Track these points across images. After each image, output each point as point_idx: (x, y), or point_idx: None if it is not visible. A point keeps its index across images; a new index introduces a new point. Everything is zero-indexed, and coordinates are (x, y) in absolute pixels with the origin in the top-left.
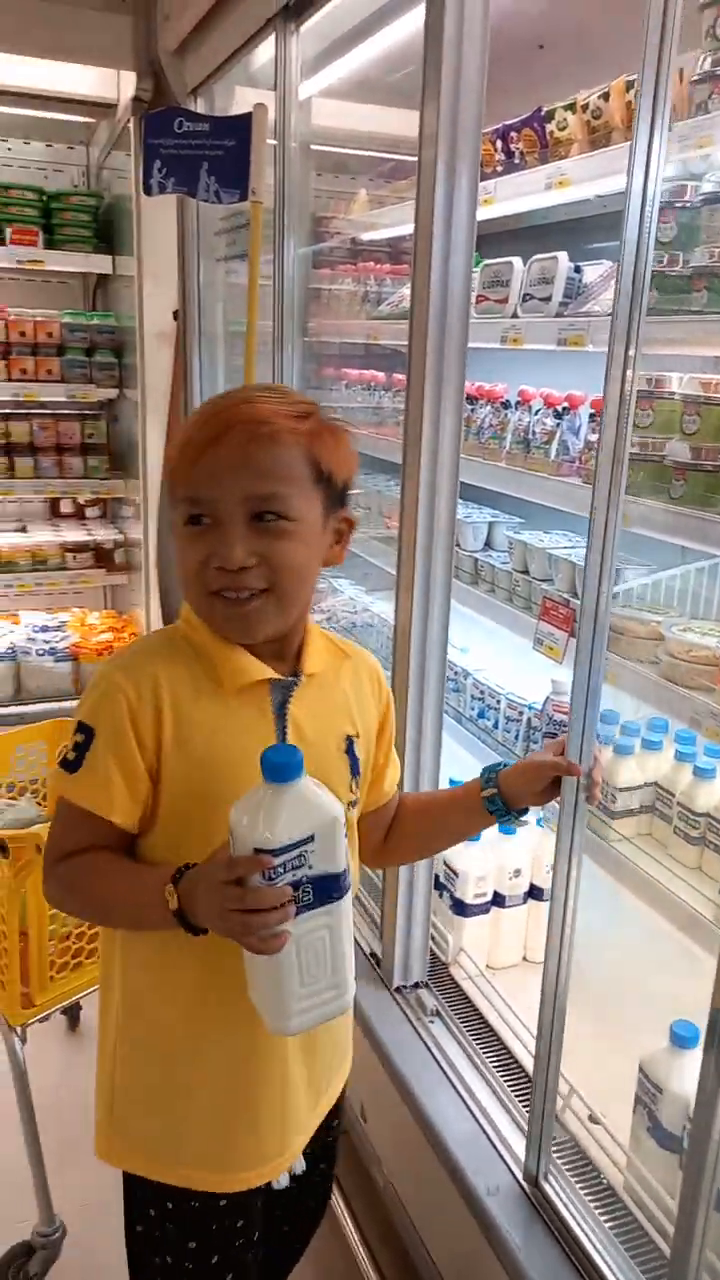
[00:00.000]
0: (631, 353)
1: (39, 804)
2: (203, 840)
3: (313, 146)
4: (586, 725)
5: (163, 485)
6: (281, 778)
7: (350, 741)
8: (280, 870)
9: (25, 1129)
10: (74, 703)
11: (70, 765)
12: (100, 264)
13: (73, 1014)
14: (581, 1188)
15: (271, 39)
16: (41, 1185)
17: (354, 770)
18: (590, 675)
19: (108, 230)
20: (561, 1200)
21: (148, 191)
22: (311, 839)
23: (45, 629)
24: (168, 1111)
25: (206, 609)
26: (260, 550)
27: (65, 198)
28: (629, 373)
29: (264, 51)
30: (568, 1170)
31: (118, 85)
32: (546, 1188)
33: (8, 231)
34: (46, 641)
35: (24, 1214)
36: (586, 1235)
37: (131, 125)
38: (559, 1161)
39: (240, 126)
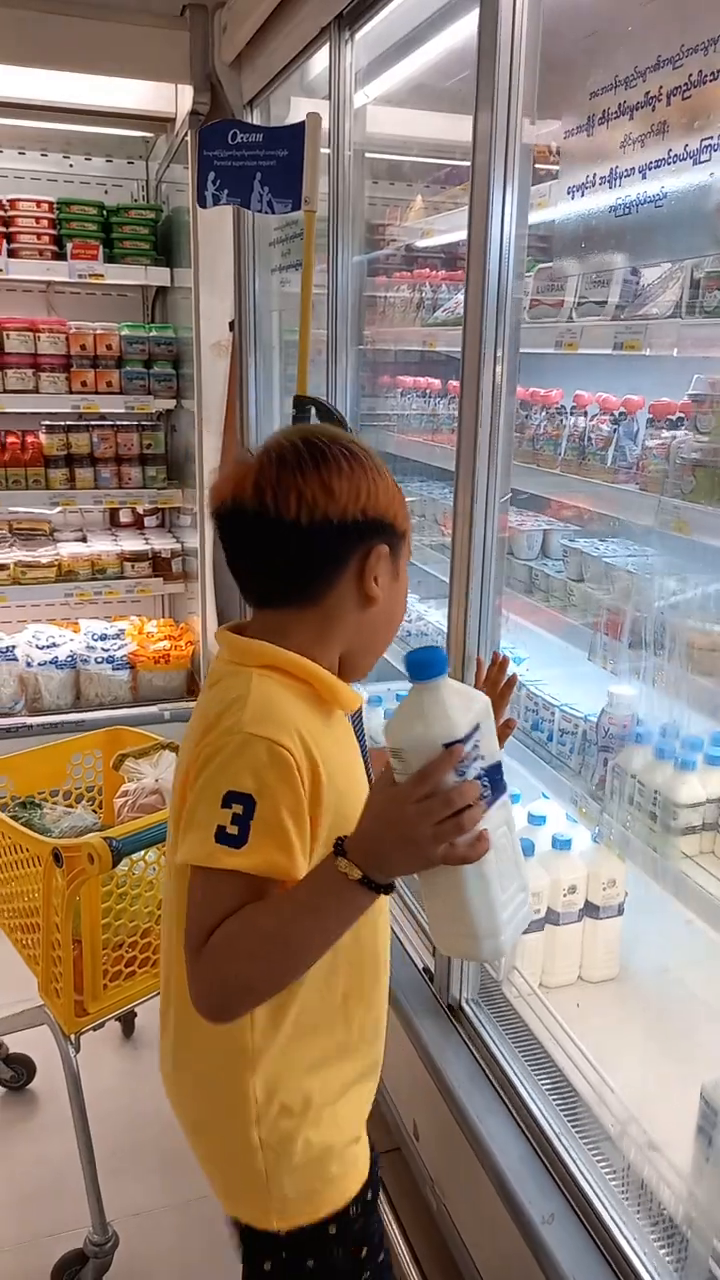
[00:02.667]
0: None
1: (95, 810)
2: None
3: (367, 154)
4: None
5: None
6: (434, 673)
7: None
8: (466, 762)
9: (79, 1137)
10: (131, 710)
11: (236, 840)
12: (159, 276)
13: (128, 1022)
14: (639, 1217)
15: (326, 48)
16: (95, 1193)
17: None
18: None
19: (166, 243)
20: (620, 1230)
21: (202, 204)
22: (478, 727)
23: (104, 637)
24: (327, 1155)
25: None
26: None
27: (125, 211)
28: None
29: (319, 61)
30: (626, 1200)
31: (175, 99)
32: (604, 1216)
33: (69, 246)
34: (105, 650)
35: (77, 1221)
36: (645, 1267)
37: (189, 138)
38: (615, 1189)
39: (293, 136)
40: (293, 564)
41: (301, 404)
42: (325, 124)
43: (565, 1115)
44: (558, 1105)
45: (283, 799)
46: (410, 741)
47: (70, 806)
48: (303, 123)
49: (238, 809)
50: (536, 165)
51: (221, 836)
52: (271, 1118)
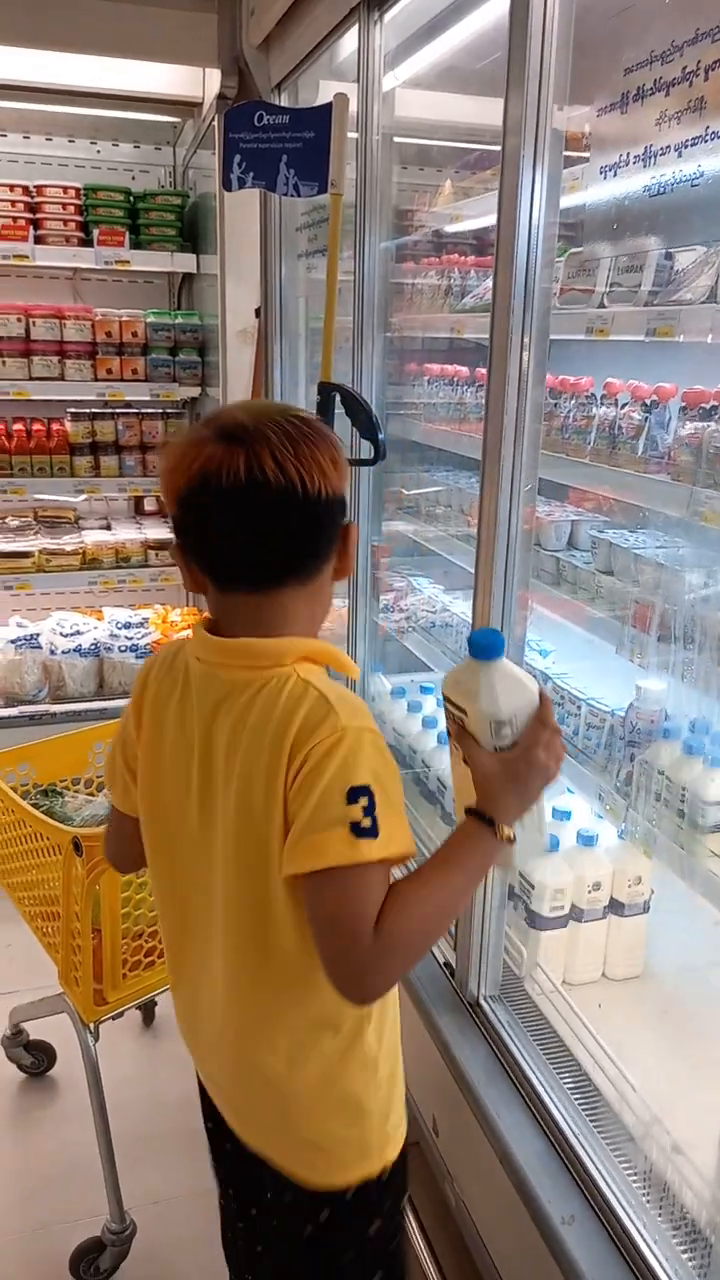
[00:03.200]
0: None
1: None
2: None
3: (396, 139)
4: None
5: None
6: (500, 652)
7: None
8: None
9: (98, 1125)
10: None
11: (371, 831)
12: (185, 263)
13: (148, 1010)
14: (661, 1220)
15: (355, 30)
16: (113, 1182)
17: None
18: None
19: (193, 229)
20: (640, 1234)
21: (227, 187)
22: None
23: (128, 625)
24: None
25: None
26: None
27: (151, 198)
28: None
29: (348, 43)
30: (647, 1202)
31: (203, 83)
32: (625, 1218)
33: (96, 233)
34: (129, 638)
35: (95, 1209)
36: (666, 1271)
37: (216, 123)
38: (637, 1191)
39: (320, 117)
40: (307, 539)
41: (326, 390)
42: (353, 107)
43: (587, 1114)
44: (579, 1104)
45: (390, 781)
46: (520, 706)
47: (91, 795)
48: (330, 104)
49: (364, 802)
50: (567, 152)
51: (359, 831)
52: (379, 1079)
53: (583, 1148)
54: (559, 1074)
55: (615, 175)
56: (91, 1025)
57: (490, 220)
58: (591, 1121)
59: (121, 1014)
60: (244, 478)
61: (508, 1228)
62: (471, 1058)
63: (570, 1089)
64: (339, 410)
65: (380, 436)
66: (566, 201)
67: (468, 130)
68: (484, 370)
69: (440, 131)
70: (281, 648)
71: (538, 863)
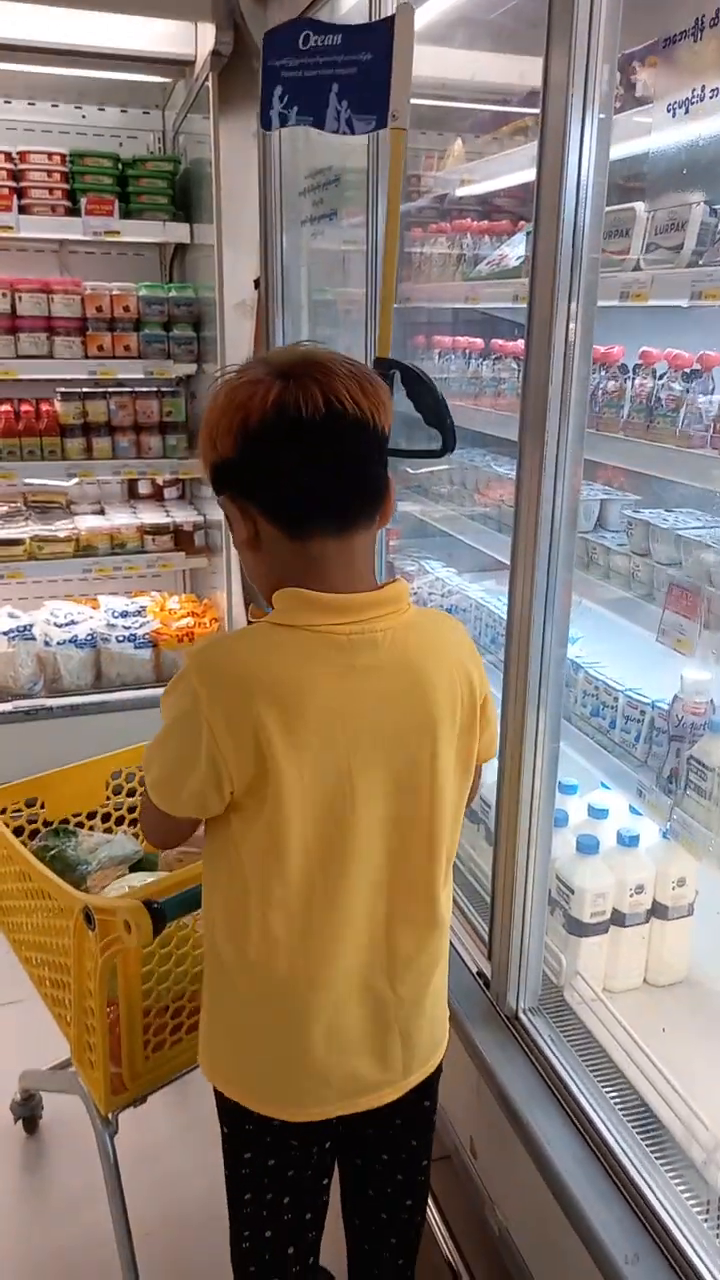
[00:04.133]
0: None
1: (137, 834)
2: None
3: (410, 100)
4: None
5: None
6: None
7: None
8: None
9: (118, 1231)
10: (154, 690)
11: None
12: (178, 233)
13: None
14: None
15: None
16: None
17: None
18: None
19: (185, 197)
20: (712, 1275)
21: (266, 125)
22: None
23: (125, 614)
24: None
25: None
26: None
27: (141, 164)
28: None
29: None
30: (717, 1236)
31: (195, 40)
32: (692, 1257)
33: (83, 201)
34: (126, 627)
35: None
36: None
37: (210, 83)
38: (704, 1225)
39: (379, 35)
40: (380, 471)
41: (384, 368)
42: None
43: (639, 1134)
44: (630, 1123)
45: None
46: None
47: (110, 831)
48: (391, 17)
49: None
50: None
51: None
52: None
53: (639, 1174)
54: (605, 1088)
55: (681, 113)
56: (109, 1116)
57: (507, 181)
58: (646, 1143)
59: (143, 1100)
60: (324, 407)
61: (563, 1264)
62: (512, 1075)
63: (619, 1106)
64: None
65: (450, 422)
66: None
67: (481, 88)
68: (500, 341)
69: (451, 90)
70: (401, 590)
71: (577, 867)
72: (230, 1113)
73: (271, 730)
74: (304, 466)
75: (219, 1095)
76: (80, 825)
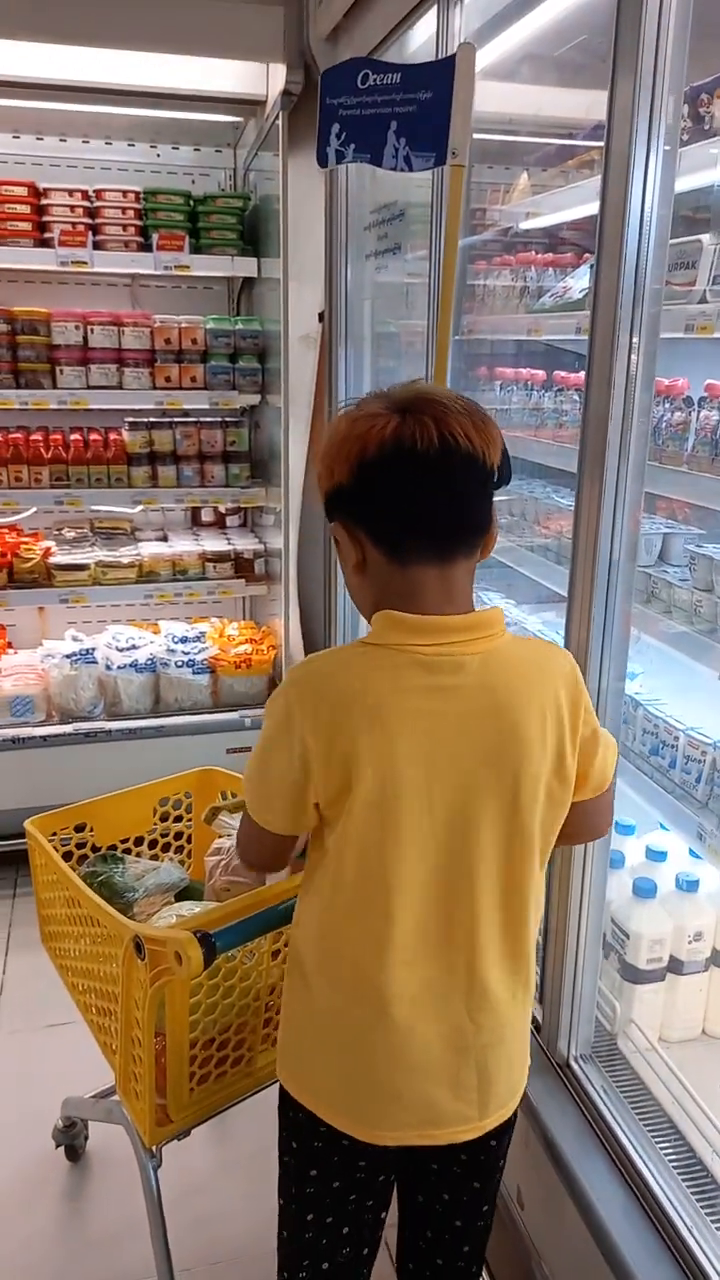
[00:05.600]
0: None
1: (183, 862)
2: None
3: (477, 135)
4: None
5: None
6: None
7: None
8: None
9: (160, 1267)
10: (211, 716)
11: None
12: (245, 267)
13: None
14: None
15: (430, 15)
16: None
17: None
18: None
19: (254, 233)
20: None
21: (323, 162)
22: None
23: (185, 640)
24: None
25: None
26: None
27: (212, 200)
28: None
29: (419, 33)
30: None
31: (266, 80)
32: None
33: (155, 237)
34: (186, 653)
35: None
36: None
37: (280, 121)
38: None
39: (439, 74)
40: (486, 507)
41: None
42: None
43: (693, 1191)
44: (682, 1179)
45: None
46: None
47: (156, 858)
48: (452, 56)
49: None
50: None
51: None
52: None
53: (691, 1233)
54: (658, 1141)
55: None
56: (154, 1149)
57: (571, 215)
58: (699, 1201)
59: (187, 1134)
60: (437, 442)
61: None
62: (562, 1126)
63: (672, 1161)
64: None
65: (506, 454)
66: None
67: (547, 122)
68: (562, 373)
69: (517, 124)
70: (494, 616)
71: (633, 911)
72: (299, 1127)
73: (358, 743)
74: (414, 498)
75: (288, 1108)
76: (127, 851)
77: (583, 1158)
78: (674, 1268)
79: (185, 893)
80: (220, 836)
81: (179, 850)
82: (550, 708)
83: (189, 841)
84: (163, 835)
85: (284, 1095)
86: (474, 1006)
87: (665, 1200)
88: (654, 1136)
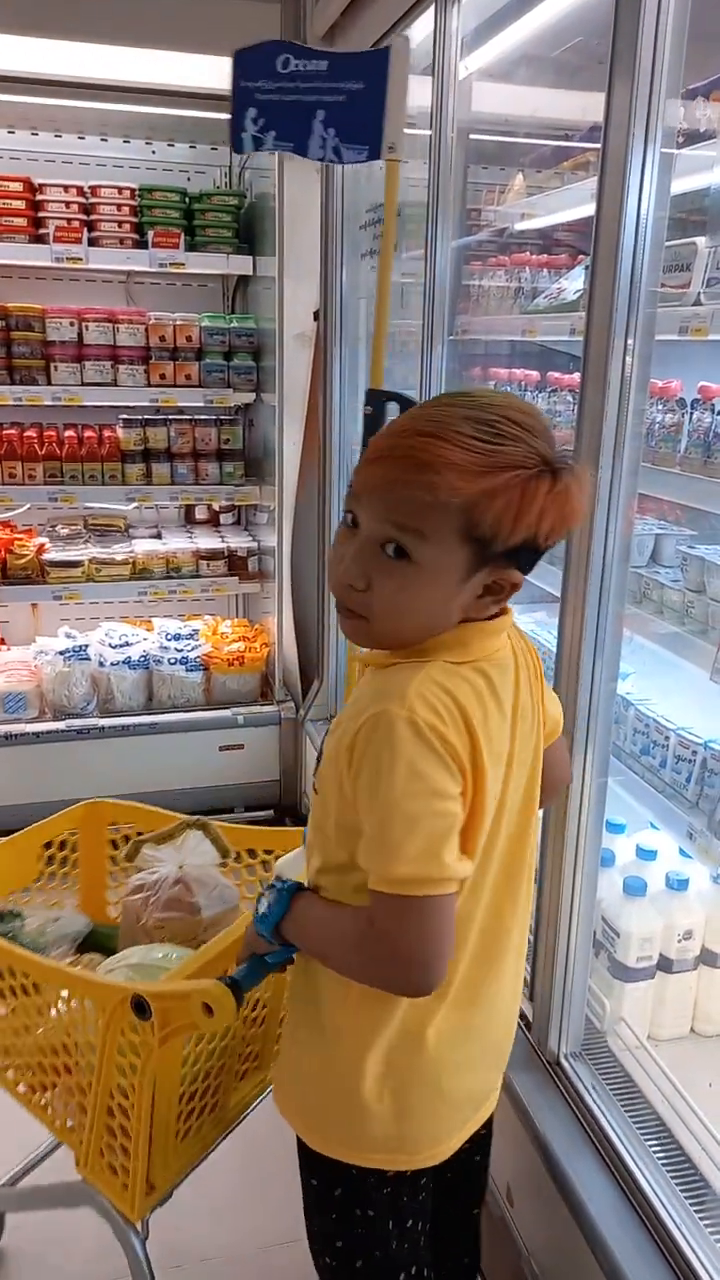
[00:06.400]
0: None
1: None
2: None
3: (472, 136)
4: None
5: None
6: None
7: (328, 730)
8: None
9: None
10: (204, 713)
11: None
12: (241, 265)
13: None
14: None
15: (429, 14)
16: None
17: (319, 753)
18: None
19: (249, 231)
20: None
21: (238, 148)
22: None
23: (178, 637)
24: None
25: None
26: (375, 579)
27: (207, 198)
28: None
29: (418, 31)
30: None
31: None
32: None
33: (150, 234)
34: (179, 650)
35: None
36: None
37: None
38: None
39: (372, 65)
40: None
41: (379, 400)
42: (426, 99)
43: (682, 1189)
44: (672, 1177)
45: None
46: None
47: (55, 907)
48: (387, 49)
49: None
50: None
51: None
52: None
53: (680, 1232)
54: (647, 1140)
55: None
56: (139, 1224)
57: (566, 216)
58: (688, 1199)
59: (169, 1197)
60: None
61: None
62: (552, 1122)
63: (661, 1159)
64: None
65: None
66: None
67: (543, 123)
68: (556, 374)
69: (513, 126)
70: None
71: (623, 909)
72: (360, 1191)
73: (475, 759)
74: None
75: (337, 1183)
76: (20, 906)
77: (573, 1155)
78: (663, 1264)
79: (89, 940)
80: (139, 872)
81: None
82: (533, 667)
83: (75, 886)
84: (49, 882)
85: (329, 1171)
86: (518, 988)
87: (654, 1197)
88: (643, 1134)
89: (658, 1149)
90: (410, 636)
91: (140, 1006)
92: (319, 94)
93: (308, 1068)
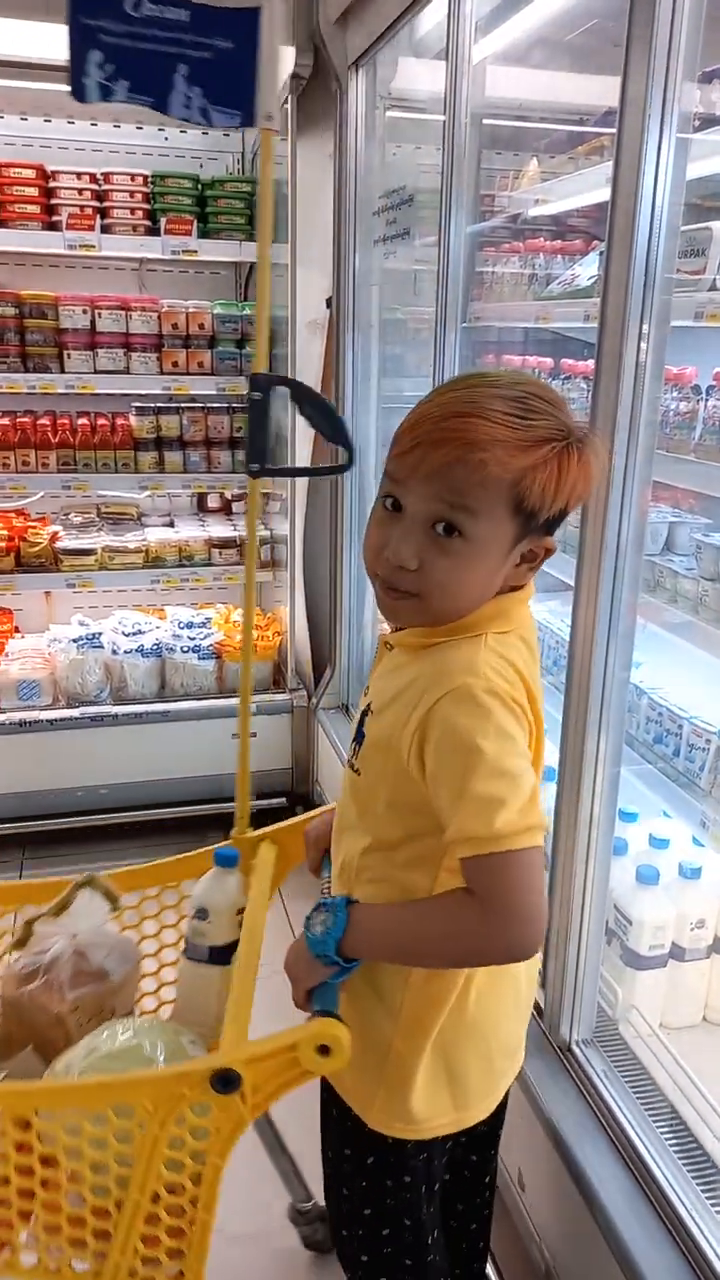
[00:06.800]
0: None
1: None
2: None
3: (486, 121)
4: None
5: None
6: None
7: (367, 711)
8: None
9: None
10: (216, 701)
11: None
12: (253, 252)
13: None
14: None
15: None
16: None
17: (357, 737)
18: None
19: None
20: None
21: (80, 95)
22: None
23: (190, 625)
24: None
25: (372, 584)
26: (427, 558)
27: (220, 185)
28: None
29: (429, 16)
30: None
31: None
32: None
33: (163, 221)
34: (192, 638)
35: None
36: None
37: (289, 105)
38: None
39: (243, 24)
40: None
41: (265, 385)
42: (441, 84)
43: (694, 1177)
44: (684, 1164)
45: None
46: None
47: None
48: (256, 9)
49: None
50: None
51: None
52: None
53: (692, 1218)
54: (659, 1127)
55: None
56: None
57: (580, 201)
58: (700, 1186)
59: None
60: None
61: None
62: (564, 1109)
63: (673, 1146)
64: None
65: (349, 437)
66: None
67: (558, 107)
68: (570, 361)
69: (527, 110)
70: None
71: (636, 897)
72: (399, 1164)
73: (535, 721)
74: None
75: (384, 1158)
76: None
77: (584, 1140)
78: (673, 1249)
79: None
80: (17, 952)
81: None
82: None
83: None
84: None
85: (366, 1140)
86: None
87: (665, 1183)
88: (654, 1121)
89: (669, 1136)
90: (465, 609)
91: (225, 1080)
92: (181, 46)
93: (367, 1046)
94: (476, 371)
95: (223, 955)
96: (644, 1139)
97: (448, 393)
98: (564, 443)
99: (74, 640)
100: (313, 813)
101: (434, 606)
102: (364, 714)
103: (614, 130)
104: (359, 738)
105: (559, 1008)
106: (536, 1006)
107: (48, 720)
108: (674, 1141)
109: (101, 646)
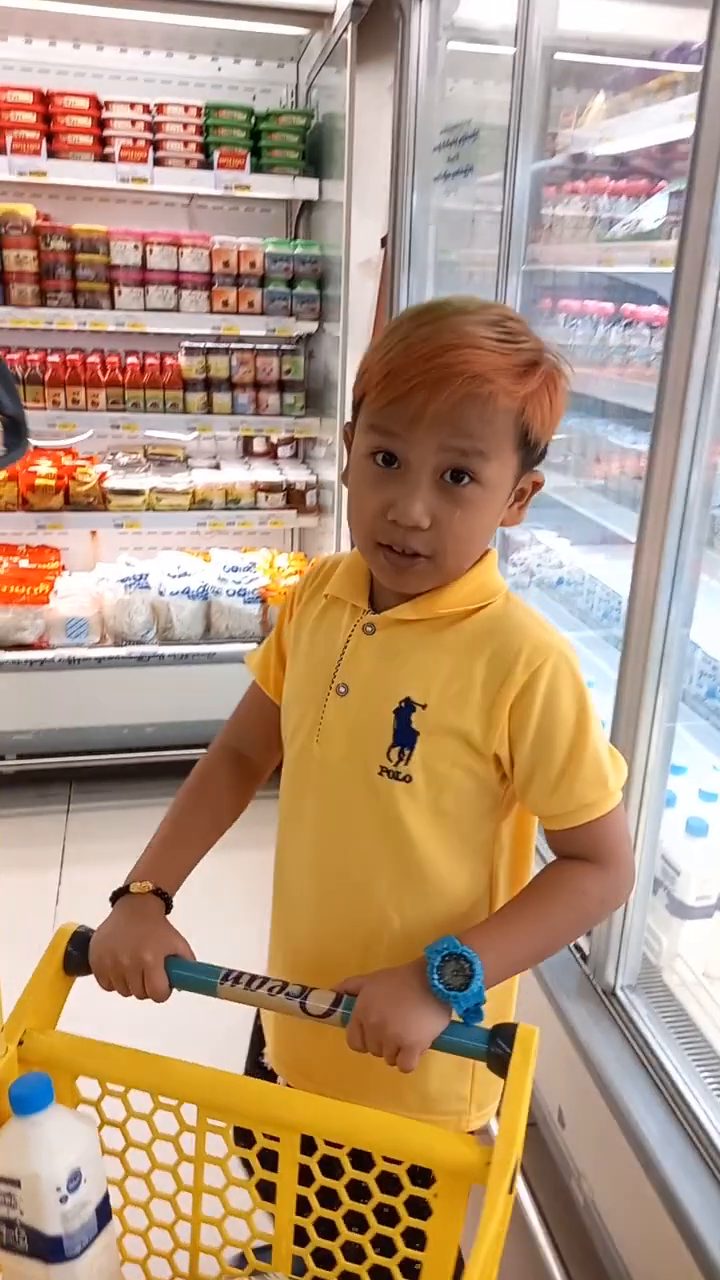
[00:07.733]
0: None
1: None
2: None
3: (557, 56)
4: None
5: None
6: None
7: (409, 707)
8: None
9: None
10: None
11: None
12: (307, 189)
13: None
14: None
15: None
16: None
17: (400, 739)
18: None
19: (315, 153)
20: None
21: None
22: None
23: (235, 569)
24: None
25: (370, 553)
26: (439, 513)
27: (274, 118)
28: None
29: None
30: None
31: None
32: None
33: (215, 155)
34: (237, 582)
35: None
36: None
37: (349, 35)
38: None
39: None
40: None
41: None
42: (510, 15)
43: None
44: None
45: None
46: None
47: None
48: None
49: None
50: None
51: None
52: None
53: None
54: (701, 1072)
55: None
56: None
57: (647, 140)
58: None
59: None
60: None
61: (649, 1239)
62: (606, 1049)
63: (715, 1090)
64: None
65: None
66: None
67: (628, 41)
68: (631, 307)
69: (595, 44)
70: None
71: (684, 848)
72: None
73: None
74: None
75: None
76: None
77: (625, 1080)
78: (714, 1185)
79: None
80: None
81: None
82: None
83: None
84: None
85: None
86: None
87: (708, 1122)
88: (698, 1067)
89: (711, 1080)
90: (468, 563)
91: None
92: None
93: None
94: (432, 303)
95: (54, 1249)
96: (686, 1080)
97: (421, 326)
98: (548, 365)
99: (121, 580)
100: None
101: (449, 565)
102: (404, 709)
103: (687, 66)
104: (408, 741)
105: (605, 953)
106: (580, 951)
107: (95, 658)
108: (716, 1086)
109: (148, 587)
